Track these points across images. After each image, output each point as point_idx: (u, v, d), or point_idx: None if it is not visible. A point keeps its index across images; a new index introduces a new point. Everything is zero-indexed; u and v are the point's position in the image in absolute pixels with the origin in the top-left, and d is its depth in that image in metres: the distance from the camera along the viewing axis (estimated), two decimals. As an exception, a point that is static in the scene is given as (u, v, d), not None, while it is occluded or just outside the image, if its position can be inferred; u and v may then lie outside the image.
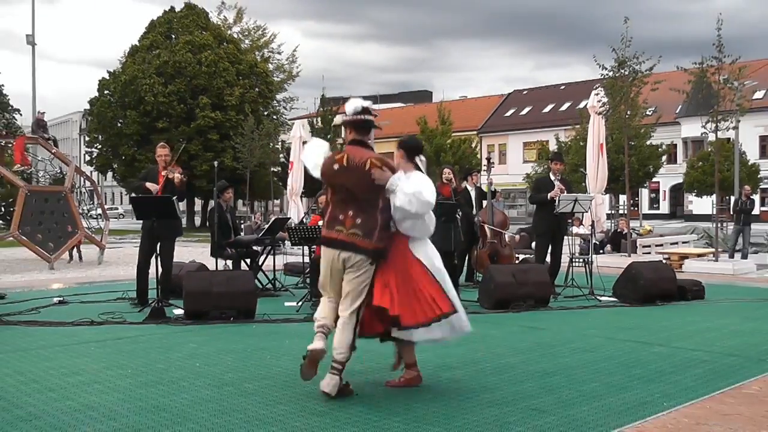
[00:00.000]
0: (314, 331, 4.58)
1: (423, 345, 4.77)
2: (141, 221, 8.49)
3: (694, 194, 36.08)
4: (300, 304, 8.44)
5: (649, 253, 15.79)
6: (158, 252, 8.20)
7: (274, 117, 42.44)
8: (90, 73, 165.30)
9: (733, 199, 19.42)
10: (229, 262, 10.06)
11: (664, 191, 51.48)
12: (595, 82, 17.28)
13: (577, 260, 10.42)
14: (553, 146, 36.44)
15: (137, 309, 8.16)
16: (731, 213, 18.88)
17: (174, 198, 8.16)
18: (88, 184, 19.56)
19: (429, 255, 4.69)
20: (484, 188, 10.73)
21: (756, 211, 20.40)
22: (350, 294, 4.56)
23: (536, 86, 61.45)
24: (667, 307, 8.62)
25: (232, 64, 38.38)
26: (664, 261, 12.53)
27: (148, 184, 8.34)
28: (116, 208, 63.30)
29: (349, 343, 4.55)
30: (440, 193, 9.92)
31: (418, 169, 4.74)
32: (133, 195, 8.26)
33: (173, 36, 39.95)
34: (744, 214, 16.15)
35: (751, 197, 17.13)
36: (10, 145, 17.06)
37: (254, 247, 10.35)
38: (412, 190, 4.44)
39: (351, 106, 4.70)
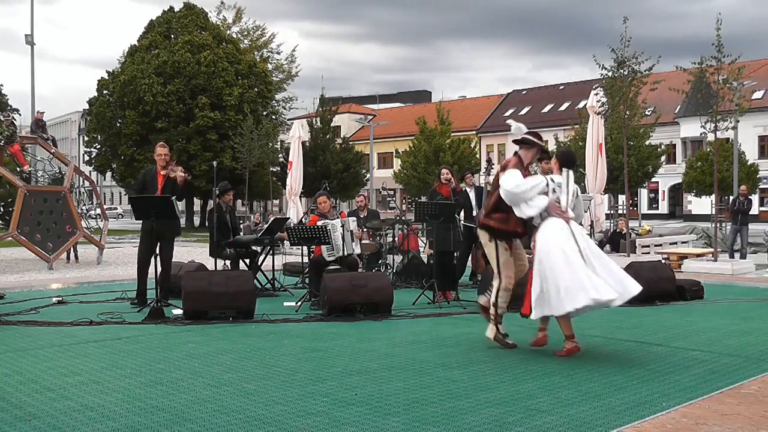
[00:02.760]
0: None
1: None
2: (140, 221, 8.49)
3: (693, 194, 36.10)
4: (299, 304, 8.43)
5: (648, 253, 15.79)
6: (158, 252, 8.20)
7: (273, 117, 42.44)
8: (89, 73, 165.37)
9: (731, 199, 19.42)
10: (228, 262, 10.07)
11: (663, 191, 51.51)
12: (594, 83, 17.31)
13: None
14: (552, 146, 36.45)
15: (137, 309, 8.17)
16: (729, 213, 18.90)
17: (173, 198, 8.16)
18: (87, 184, 19.52)
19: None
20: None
21: (755, 210, 20.41)
22: None
23: (535, 86, 61.53)
24: (666, 307, 8.63)
25: (231, 64, 38.37)
26: (663, 261, 12.53)
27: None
28: (115, 208, 63.33)
29: None
30: (439, 193, 9.94)
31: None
32: (132, 195, 8.25)
33: (172, 36, 39.94)
34: (741, 214, 16.14)
35: (749, 197, 17.12)
36: (8, 146, 17.00)
37: (253, 247, 10.35)
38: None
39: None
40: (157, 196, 8.17)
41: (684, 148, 47.01)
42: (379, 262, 11.12)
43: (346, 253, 9.08)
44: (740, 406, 4.35)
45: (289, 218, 14.27)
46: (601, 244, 16.06)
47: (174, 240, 8.56)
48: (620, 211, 29.94)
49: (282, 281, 10.51)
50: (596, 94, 14.52)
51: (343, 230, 9.07)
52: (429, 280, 9.07)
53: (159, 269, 8.12)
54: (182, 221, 39.81)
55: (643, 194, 48.30)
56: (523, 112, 57.47)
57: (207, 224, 11.15)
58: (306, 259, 9.30)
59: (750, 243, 17.11)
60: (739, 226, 16.12)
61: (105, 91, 39.88)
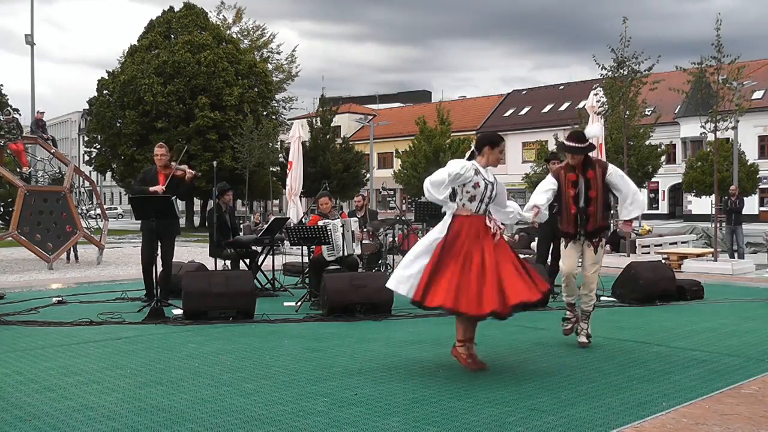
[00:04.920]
0: None
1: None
2: (139, 221, 8.47)
3: (693, 194, 36.09)
4: (299, 304, 8.43)
5: (648, 253, 15.79)
6: (159, 252, 8.19)
7: (273, 117, 42.43)
8: (89, 73, 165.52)
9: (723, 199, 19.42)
10: (228, 262, 10.07)
11: (663, 191, 51.52)
12: (594, 82, 17.28)
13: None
14: (552, 146, 36.45)
15: (148, 306, 8.04)
16: (723, 213, 18.87)
17: (174, 198, 8.16)
18: (87, 184, 19.53)
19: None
20: None
21: (755, 210, 20.38)
22: None
23: (535, 86, 61.54)
24: (666, 307, 8.62)
25: (231, 64, 38.36)
26: (663, 261, 12.53)
27: (153, 189, 8.27)
28: (115, 208, 63.33)
29: None
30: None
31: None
32: (133, 195, 8.23)
33: (172, 36, 39.93)
34: (735, 213, 16.11)
35: (740, 196, 17.05)
36: (9, 144, 16.99)
37: (253, 247, 10.35)
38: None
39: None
40: (158, 196, 8.14)
41: (684, 148, 47.01)
42: (379, 262, 11.12)
43: (346, 254, 9.08)
44: (740, 406, 4.35)
45: (289, 218, 14.27)
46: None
47: (174, 239, 8.55)
48: (620, 211, 29.88)
49: (282, 281, 10.51)
50: (596, 94, 14.50)
51: (344, 230, 9.08)
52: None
53: (159, 269, 8.12)
54: (182, 221, 39.85)
55: (643, 194, 48.31)
56: (523, 112, 57.47)
57: (207, 224, 11.14)
58: (306, 259, 9.30)
59: (750, 243, 17.09)
60: (734, 226, 16.09)
61: (105, 91, 39.87)
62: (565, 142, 6.19)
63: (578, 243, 6.16)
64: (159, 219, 8.03)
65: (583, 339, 6.14)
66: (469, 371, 5.16)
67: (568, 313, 6.35)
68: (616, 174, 6.06)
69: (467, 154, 5.35)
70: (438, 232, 5.18)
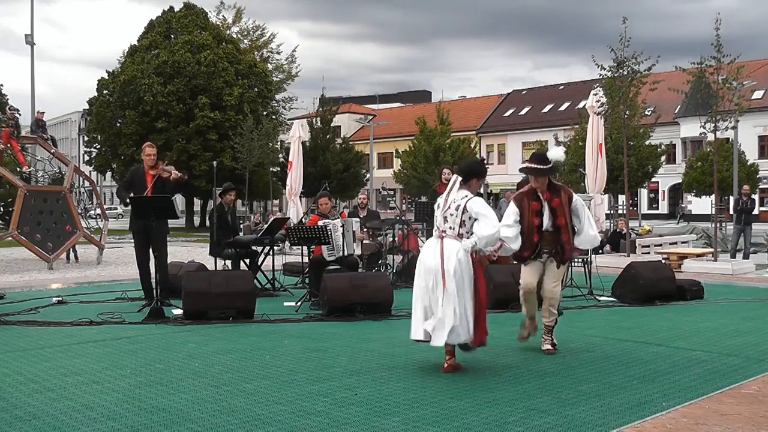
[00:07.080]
0: None
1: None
2: (128, 224, 8.41)
3: (693, 194, 36.08)
4: (299, 304, 8.43)
5: (648, 253, 15.78)
6: (153, 252, 8.17)
7: (273, 117, 42.39)
8: (89, 73, 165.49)
9: (732, 199, 19.44)
10: (228, 262, 10.07)
11: (663, 191, 51.51)
12: (594, 83, 17.28)
13: (576, 260, 10.41)
14: (552, 146, 36.45)
15: (148, 306, 8.02)
16: (731, 213, 18.90)
17: (173, 198, 8.14)
18: (87, 184, 19.55)
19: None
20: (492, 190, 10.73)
21: (755, 211, 20.36)
22: None
23: (535, 86, 61.54)
24: (666, 307, 8.62)
25: (231, 64, 38.33)
26: (663, 261, 12.52)
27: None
28: (115, 208, 63.14)
29: None
30: (440, 193, 9.94)
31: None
32: (133, 195, 8.19)
33: (172, 36, 39.90)
34: (745, 213, 16.13)
35: (752, 197, 17.11)
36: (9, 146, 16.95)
37: (253, 247, 10.35)
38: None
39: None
40: (158, 195, 8.12)
41: (684, 148, 47.00)
42: (379, 262, 11.12)
43: (346, 254, 9.08)
44: (740, 406, 4.35)
45: (289, 218, 14.27)
46: (601, 244, 16.06)
47: (166, 239, 8.47)
48: (620, 211, 29.93)
49: (282, 281, 10.51)
50: (596, 95, 14.49)
51: (344, 230, 9.08)
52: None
53: (156, 270, 8.10)
54: (182, 221, 39.84)
55: (643, 194, 48.30)
56: (523, 112, 57.45)
57: (208, 224, 11.14)
58: (306, 259, 9.30)
59: (751, 243, 17.10)
60: (743, 226, 16.11)
61: (105, 91, 39.83)
62: (528, 164, 5.92)
63: (539, 261, 5.95)
64: (158, 219, 8.01)
65: (547, 346, 5.96)
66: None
67: (526, 323, 6.11)
68: (579, 203, 5.99)
69: (454, 181, 5.32)
70: (468, 269, 5.14)
